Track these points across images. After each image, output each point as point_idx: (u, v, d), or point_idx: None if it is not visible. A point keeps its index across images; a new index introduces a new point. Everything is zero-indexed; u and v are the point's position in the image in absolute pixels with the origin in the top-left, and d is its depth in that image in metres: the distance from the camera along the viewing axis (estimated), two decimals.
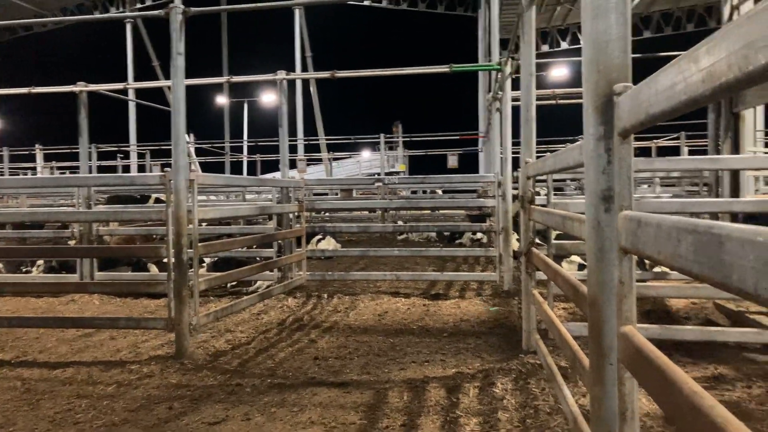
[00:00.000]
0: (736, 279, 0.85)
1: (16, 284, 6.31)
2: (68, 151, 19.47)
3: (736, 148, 7.73)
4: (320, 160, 24.74)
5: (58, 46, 35.05)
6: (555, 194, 13.43)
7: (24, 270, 9.34)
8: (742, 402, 3.71)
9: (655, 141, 18.87)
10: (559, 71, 17.70)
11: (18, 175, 21.51)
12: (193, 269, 5.29)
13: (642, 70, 1.60)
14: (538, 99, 8.89)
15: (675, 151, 18.38)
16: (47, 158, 21.64)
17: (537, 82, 4.78)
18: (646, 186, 14.25)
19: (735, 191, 7.68)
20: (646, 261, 6.11)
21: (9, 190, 11.15)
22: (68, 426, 3.73)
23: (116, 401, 4.13)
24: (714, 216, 6.43)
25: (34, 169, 21.49)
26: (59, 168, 21.47)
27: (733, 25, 0.84)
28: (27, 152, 21.75)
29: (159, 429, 3.64)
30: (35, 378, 4.70)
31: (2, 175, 19.75)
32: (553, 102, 9.22)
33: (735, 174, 7.74)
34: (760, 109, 10.13)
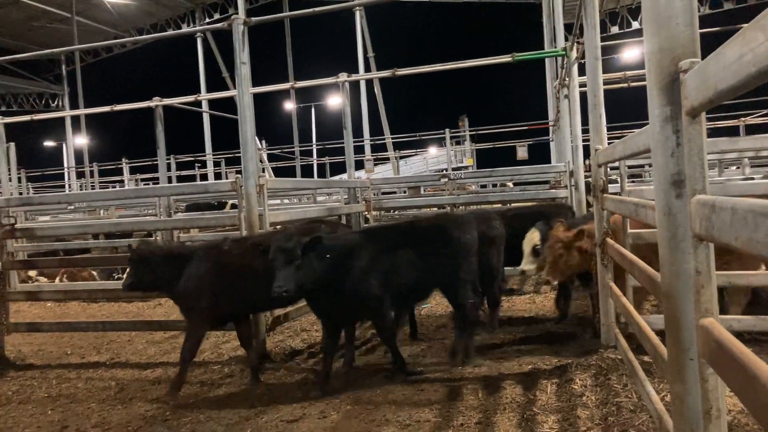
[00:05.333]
0: None
1: (108, 291, 6.76)
2: (150, 163, 20.56)
3: None
4: (387, 158, 24.80)
5: (137, 63, 37.20)
6: (632, 181, 12.82)
7: (116, 277, 9.99)
8: None
9: (742, 119, 17.58)
10: (631, 53, 16.81)
11: (107, 188, 22.97)
12: None
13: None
14: (608, 83, 8.47)
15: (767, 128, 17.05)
16: (132, 171, 22.95)
17: (608, 65, 4.59)
18: (734, 168, 13.26)
19: None
20: None
21: (98, 202, 11.92)
22: (158, 424, 3.95)
23: (201, 400, 4.33)
24: None
25: (122, 181, 22.84)
26: (143, 180, 22.68)
27: None
28: (114, 166, 23.16)
29: (239, 427, 3.78)
30: (128, 378, 5.01)
31: (93, 188, 21.17)
32: (625, 85, 8.77)
33: None
34: None
